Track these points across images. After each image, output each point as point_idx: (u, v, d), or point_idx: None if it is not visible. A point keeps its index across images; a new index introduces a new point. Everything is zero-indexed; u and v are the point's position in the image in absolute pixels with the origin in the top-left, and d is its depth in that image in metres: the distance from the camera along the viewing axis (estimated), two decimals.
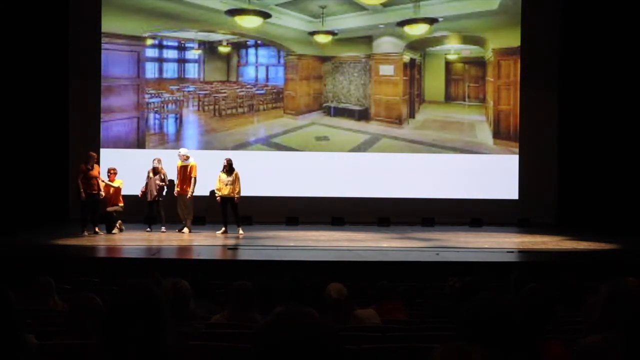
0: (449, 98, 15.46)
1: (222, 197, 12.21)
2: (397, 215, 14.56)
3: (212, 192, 12.62)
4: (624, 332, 2.66)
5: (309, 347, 1.61)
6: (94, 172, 11.92)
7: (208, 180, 12.70)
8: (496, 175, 15.18)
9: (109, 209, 12.27)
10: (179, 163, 12.56)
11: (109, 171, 12.48)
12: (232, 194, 12.15)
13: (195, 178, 12.44)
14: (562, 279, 6.05)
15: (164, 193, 12.59)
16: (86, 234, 11.69)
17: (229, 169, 12.21)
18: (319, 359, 1.61)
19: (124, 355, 2.33)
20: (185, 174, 12.49)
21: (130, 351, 2.33)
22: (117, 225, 12.34)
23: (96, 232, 11.89)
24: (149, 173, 12.49)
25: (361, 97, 15.35)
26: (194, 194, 12.50)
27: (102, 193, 12.04)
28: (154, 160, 12.61)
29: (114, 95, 14.81)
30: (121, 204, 12.44)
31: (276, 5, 15.08)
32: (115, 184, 12.42)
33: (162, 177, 12.54)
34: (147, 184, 12.43)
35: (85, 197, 11.73)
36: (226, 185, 12.16)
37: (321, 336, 1.62)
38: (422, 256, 10.16)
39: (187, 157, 12.60)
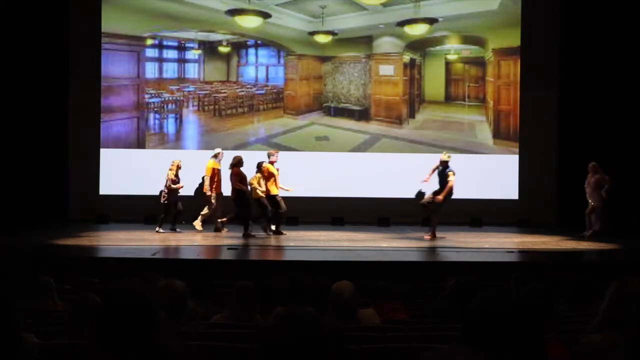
0: (449, 98, 15.45)
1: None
2: (397, 215, 14.54)
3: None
4: (630, 331, 2.65)
5: (312, 347, 1.61)
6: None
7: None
8: (496, 175, 15.17)
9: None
10: (215, 163, 12.58)
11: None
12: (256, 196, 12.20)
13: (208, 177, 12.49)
14: (562, 279, 6.05)
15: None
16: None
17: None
18: (323, 359, 1.61)
19: (121, 356, 2.33)
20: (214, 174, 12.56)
21: (127, 351, 2.33)
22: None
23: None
24: (168, 174, 12.50)
25: (361, 97, 15.34)
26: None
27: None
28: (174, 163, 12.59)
29: (114, 95, 14.82)
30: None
31: (276, 5, 15.08)
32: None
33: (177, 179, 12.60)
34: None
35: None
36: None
37: (325, 336, 1.62)
38: (422, 256, 10.15)
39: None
